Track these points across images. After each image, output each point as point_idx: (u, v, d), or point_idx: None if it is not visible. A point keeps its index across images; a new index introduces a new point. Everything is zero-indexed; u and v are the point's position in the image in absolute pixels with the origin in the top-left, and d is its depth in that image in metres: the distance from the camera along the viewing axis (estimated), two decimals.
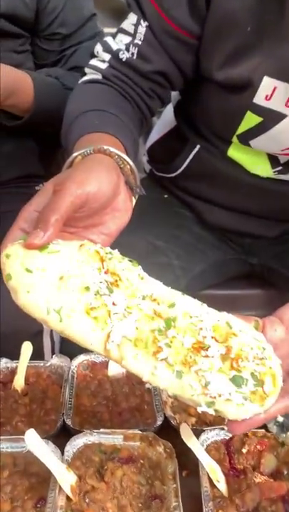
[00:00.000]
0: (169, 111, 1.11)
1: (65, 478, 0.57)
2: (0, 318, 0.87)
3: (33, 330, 0.92)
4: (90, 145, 0.61)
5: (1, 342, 0.85)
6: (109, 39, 0.87)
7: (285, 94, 0.79)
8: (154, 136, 1.17)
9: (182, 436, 0.58)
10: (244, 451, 0.62)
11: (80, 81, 0.89)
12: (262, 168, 0.95)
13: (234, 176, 0.98)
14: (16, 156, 1.00)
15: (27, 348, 0.76)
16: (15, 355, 0.77)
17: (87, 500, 0.56)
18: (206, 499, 0.55)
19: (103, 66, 0.86)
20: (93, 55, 0.89)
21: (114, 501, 0.57)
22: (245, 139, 0.89)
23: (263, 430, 0.64)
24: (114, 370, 0.77)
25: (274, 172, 0.95)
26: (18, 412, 0.70)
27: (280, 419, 0.71)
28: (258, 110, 0.83)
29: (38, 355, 0.86)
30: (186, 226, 1.07)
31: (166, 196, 1.12)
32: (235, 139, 0.91)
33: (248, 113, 0.84)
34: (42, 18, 1.07)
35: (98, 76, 0.86)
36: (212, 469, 0.58)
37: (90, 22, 1.14)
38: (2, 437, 0.64)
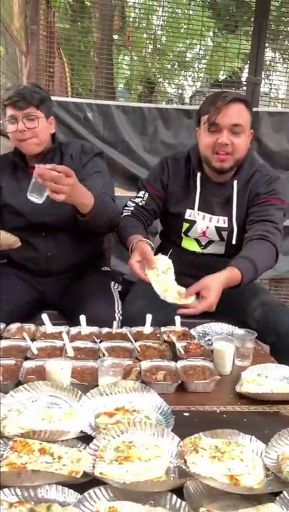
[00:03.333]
0: (158, 236, 2.27)
1: None
2: None
3: None
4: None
5: None
6: (134, 199, 1.97)
7: (194, 214, 1.89)
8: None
9: None
10: None
11: (122, 215, 1.93)
12: (195, 248, 1.97)
13: (185, 255, 1.95)
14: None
15: None
16: None
17: None
18: None
19: (131, 208, 1.95)
20: (126, 205, 1.98)
21: None
22: (186, 233, 1.92)
23: None
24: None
25: (201, 248, 1.99)
26: None
27: None
28: (187, 221, 1.91)
29: None
30: None
31: None
32: (182, 234, 1.97)
33: (184, 223, 1.92)
34: None
35: (129, 213, 1.94)
36: None
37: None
38: None
